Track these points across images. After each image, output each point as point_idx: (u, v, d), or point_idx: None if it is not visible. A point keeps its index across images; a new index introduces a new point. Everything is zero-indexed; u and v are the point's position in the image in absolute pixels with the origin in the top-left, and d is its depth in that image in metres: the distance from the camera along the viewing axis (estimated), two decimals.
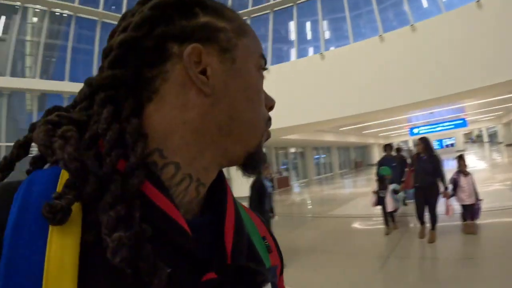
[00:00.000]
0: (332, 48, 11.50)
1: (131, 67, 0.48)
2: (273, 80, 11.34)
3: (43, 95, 13.06)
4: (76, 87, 12.12)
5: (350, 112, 10.33)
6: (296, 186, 22.44)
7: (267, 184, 5.31)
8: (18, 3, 12.31)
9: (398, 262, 5.23)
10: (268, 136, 0.59)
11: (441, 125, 26.43)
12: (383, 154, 8.00)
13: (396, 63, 9.48)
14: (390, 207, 6.59)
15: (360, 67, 9.90)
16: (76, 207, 0.40)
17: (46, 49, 13.16)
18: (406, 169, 6.69)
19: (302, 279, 4.53)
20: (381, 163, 7.57)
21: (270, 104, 0.60)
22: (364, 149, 42.33)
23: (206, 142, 0.51)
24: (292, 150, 25.06)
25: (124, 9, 14.00)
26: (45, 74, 13.21)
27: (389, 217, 6.80)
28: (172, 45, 0.49)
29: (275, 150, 22.19)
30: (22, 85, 11.96)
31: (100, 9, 13.93)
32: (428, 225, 5.92)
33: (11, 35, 12.16)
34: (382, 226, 6.84)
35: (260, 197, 5.13)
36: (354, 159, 38.50)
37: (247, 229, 0.58)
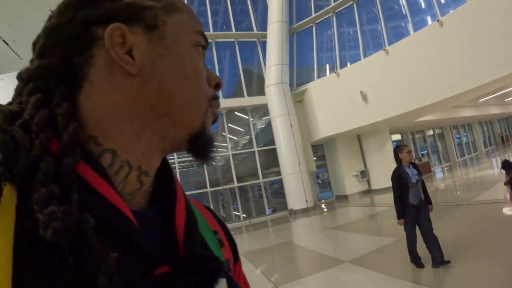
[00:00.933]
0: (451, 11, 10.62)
1: (59, 55, 0.48)
2: (393, 61, 11.32)
3: None
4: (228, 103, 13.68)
5: (487, 79, 9.41)
6: (438, 171, 21.19)
7: (410, 172, 4.80)
8: None
9: None
10: (215, 117, 0.58)
11: None
12: None
13: None
14: None
15: (486, 26, 8.95)
16: (9, 192, 0.37)
17: None
18: None
19: (454, 278, 4.20)
20: None
21: (214, 81, 0.58)
22: (510, 120, 37.56)
23: (141, 126, 0.50)
24: (430, 132, 23.64)
25: None
26: None
27: None
28: (96, 29, 0.48)
29: (412, 135, 21.34)
30: None
31: (211, 31, 15.58)
32: None
33: None
34: None
35: (401, 188, 4.74)
36: (500, 133, 34.48)
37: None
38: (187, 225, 0.52)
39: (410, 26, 11.47)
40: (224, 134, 14.71)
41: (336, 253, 6.68)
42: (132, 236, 0.43)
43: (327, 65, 14.77)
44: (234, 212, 15.31)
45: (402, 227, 4.80)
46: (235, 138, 16.11)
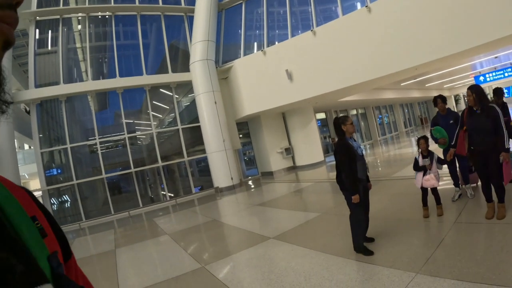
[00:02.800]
0: None
1: None
2: (320, 42, 11.63)
3: (104, 94, 14.15)
4: (127, 82, 13.17)
5: (409, 65, 10.01)
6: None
7: (355, 144, 4.48)
8: (57, 16, 13.62)
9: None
10: (4, 37, 0.45)
11: (509, 70, 24.37)
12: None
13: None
14: (430, 183, 5.19)
15: (411, 15, 9.50)
16: None
17: (95, 51, 14.35)
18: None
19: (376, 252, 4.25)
20: (434, 122, 6.14)
21: None
22: (429, 103, 40.46)
23: None
24: (353, 112, 24.77)
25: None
26: (100, 74, 14.25)
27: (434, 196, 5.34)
28: None
29: (336, 114, 22.17)
30: (78, 89, 13.26)
31: (137, 4, 14.86)
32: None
33: (61, 46, 13.36)
34: (452, 187, 6.07)
35: (350, 162, 4.32)
36: (419, 115, 37.09)
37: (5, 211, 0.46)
38: None
39: (339, 10, 11.73)
40: (148, 111, 14.24)
41: (262, 229, 6.73)
42: None
43: (255, 44, 14.74)
44: (162, 192, 15.00)
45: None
46: (160, 116, 15.64)
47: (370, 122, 26.25)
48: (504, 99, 6.28)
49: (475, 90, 4.63)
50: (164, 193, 14.60)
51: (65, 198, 13.46)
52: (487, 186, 4.69)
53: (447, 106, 6.12)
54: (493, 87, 7.30)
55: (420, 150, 5.30)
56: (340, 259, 4.29)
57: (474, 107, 4.69)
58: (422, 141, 5.25)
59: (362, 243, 4.37)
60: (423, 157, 5.24)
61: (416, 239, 4.48)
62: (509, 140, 4.43)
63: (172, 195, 14.70)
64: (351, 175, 4.30)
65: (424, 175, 5.22)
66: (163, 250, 6.71)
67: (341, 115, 4.83)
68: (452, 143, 5.24)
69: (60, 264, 0.50)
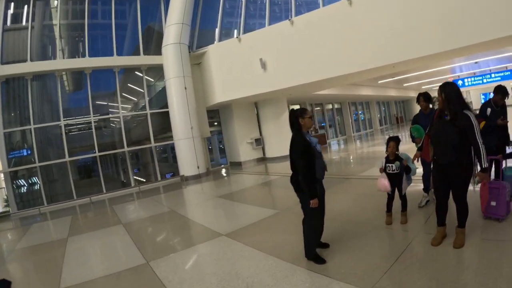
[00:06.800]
0: None
1: None
2: (297, 32, 11.26)
3: (72, 75, 13.47)
4: (96, 62, 12.58)
5: (386, 62, 9.80)
6: (333, 143, 22.37)
7: (314, 141, 3.95)
8: None
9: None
10: None
11: (487, 76, 24.77)
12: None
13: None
14: (382, 184, 4.80)
15: (392, 12, 9.28)
16: None
17: (66, 30, 13.57)
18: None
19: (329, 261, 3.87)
20: (414, 119, 5.64)
21: None
22: (406, 103, 40.94)
23: None
24: (329, 106, 24.68)
25: None
26: (70, 54, 13.55)
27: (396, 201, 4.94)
28: None
29: (311, 107, 22.02)
30: (45, 67, 12.48)
31: None
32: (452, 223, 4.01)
33: (30, 22, 12.56)
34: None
35: (308, 161, 3.78)
36: (395, 114, 37.45)
37: None
38: None
39: (320, 0, 11.31)
40: (117, 95, 13.65)
41: (216, 224, 6.44)
42: None
43: (231, 30, 14.24)
44: (127, 179, 14.50)
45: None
46: (129, 100, 15.03)
47: (345, 118, 26.24)
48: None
49: (445, 89, 3.66)
50: (129, 179, 14.11)
51: (27, 182, 12.85)
52: (443, 205, 3.88)
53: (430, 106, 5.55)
54: (471, 92, 6.92)
55: (387, 152, 4.81)
56: (289, 265, 3.94)
57: (445, 111, 3.74)
58: (392, 144, 4.71)
59: (314, 250, 3.96)
60: (387, 161, 4.78)
61: (374, 249, 4.07)
62: (486, 158, 3.48)
63: (137, 182, 14.21)
64: (309, 176, 3.74)
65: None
66: (114, 241, 6.44)
67: (299, 107, 4.22)
68: (419, 145, 4.59)
69: None
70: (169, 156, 14.73)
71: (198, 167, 13.41)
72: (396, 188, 4.82)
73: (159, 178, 14.05)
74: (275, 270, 3.87)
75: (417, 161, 4.72)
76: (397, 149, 4.81)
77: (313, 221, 3.93)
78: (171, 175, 14.30)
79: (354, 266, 3.66)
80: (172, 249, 5.28)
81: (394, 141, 4.72)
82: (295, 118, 3.92)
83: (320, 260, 3.87)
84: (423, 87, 33.35)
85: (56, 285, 4.39)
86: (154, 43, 14.53)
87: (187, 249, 5.19)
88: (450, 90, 3.64)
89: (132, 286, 4.16)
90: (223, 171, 15.22)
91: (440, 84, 3.81)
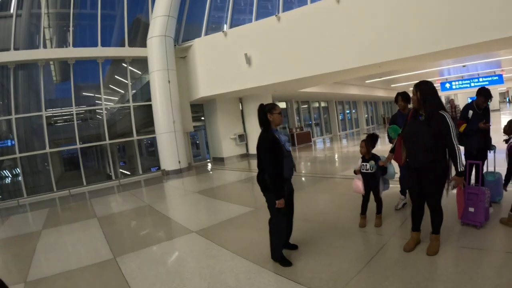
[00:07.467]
0: None
1: None
2: (283, 28, 11.15)
3: (56, 65, 13.25)
4: (79, 52, 12.37)
5: (372, 61, 9.77)
6: (318, 141, 22.37)
7: (283, 138, 3.80)
8: None
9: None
10: None
11: (475, 80, 24.98)
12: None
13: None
14: (356, 185, 4.75)
15: (379, 12, 9.24)
16: None
17: (53, 19, 13.31)
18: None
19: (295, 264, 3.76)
20: (392, 120, 5.47)
21: None
22: (393, 104, 41.11)
23: None
24: (316, 104, 24.69)
25: None
26: (55, 44, 13.28)
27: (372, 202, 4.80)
28: None
29: (297, 104, 22.01)
30: (27, 56, 12.21)
31: None
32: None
33: (15, 10, 12.29)
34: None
35: (276, 159, 3.62)
36: (382, 114, 37.64)
37: None
38: None
39: None
40: (100, 86, 13.42)
41: (189, 221, 6.36)
42: None
43: (220, 24, 14.06)
44: (108, 172, 14.32)
45: (262, 197, 3.83)
46: (113, 92, 14.78)
47: (331, 116, 26.30)
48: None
49: (420, 87, 3.47)
50: (111, 172, 13.95)
51: (7, 173, 12.60)
52: (418, 210, 3.72)
53: (409, 105, 5.26)
54: (458, 95, 6.68)
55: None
56: (254, 266, 3.83)
57: (420, 111, 3.55)
58: (362, 143, 4.63)
59: (280, 252, 3.83)
60: (363, 160, 4.66)
61: (344, 253, 3.92)
62: (461, 161, 3.30)
63: (118, 175, 14.04)
64: (276, 176, 3.57)
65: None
66: (86, 235, 6.32)
67: (267, 103, 4.01)
68: (391, 147, 4.43)
69: None
70: (156, 150, 14.57)
71: (179, 162, 13.29)
72: (372, 190, 4.70)
73: (140, 172, 13.90)
74: (239, 270, 3.79)
75: (390, 163, 4.54)
76: (372, 147, 4.70)
77: (279, 222, 3.79)
78: (156, 169, 14.15)
79: (320, 270, 3.53)
80: (141, 245, 5.16)
81: (364, 141, 4.64)
82: (264, 114, 3.75)
83: (286, 263, 3.75)
84: (410, 88, 33.54)
85: (23, 279, 4.31)
86: (140, 35, 14.30)
87: (156, 245, 5.11)
88: (426, 88, 3.46)
89: (95, 282, 4.06)
90: (205, 166, 15.10)
91: (416, 83, 3.58)
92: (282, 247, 3.90)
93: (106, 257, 4.81)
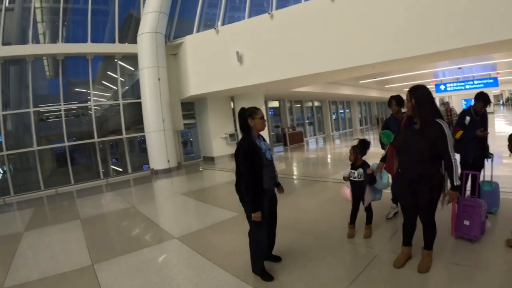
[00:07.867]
0: None
1: None
2: (276, 26, 10.96)
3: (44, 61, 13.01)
4: (68, 48, 12.16)
5: (365, 62, 9.64)
6: (311, 141, 22.24)
7: (264, 146, 3.54)
8: None
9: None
10: None
11: (470, 83, 24.95)
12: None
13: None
14: (344, 192, 4.63)
15: (373, 13, 9.11)
16: None
17: (44, 14, 13.08)
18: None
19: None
20: (385, 124, 5.16)
21: None
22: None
23: None
24: (309, 104, 24.56)
25: None
26: (45, 39, 13.04)
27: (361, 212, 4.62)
28: None
29: (290, 103, 21.87)
30: (14, 52, 11.92)
31: None
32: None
33: (4, 5, 12.02)
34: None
35: (254, 169, 3.34)
36: (376, 115, 37.62)
37: None
38: None
39: None
40: (89, 83, 13.19)
41: (172, 225, 6.22)
42: None
43: (214, 22, 13.84)
44: (96, 170, 14.08)
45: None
46: (102, 88, 14.50)
47: (325, 116, 26.19)
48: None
49: (415, 93, 3.19)
50: (98, 171, 13.71)
51: None
52: (410, 224, 3.50)
53: (403, 110, 4.98)
54: (453, 97, 6.47)
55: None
56: (234, 279, 3.62)
57: (415, 119, 3.28)
58: (350, 150, 4.42)
59: (261, 265, 3.60)
60: (352, 167, 4.45)
61: (330, 267, 3.70)
62: (457, 174, 3.08)
63: (107, 173, 13.81)
64: (253, 187, 3.31)
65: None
66: (67, 239, 6.12)
67: (250, 106, 3.77)
68: (382, 156, 4.21)
69: None
70: (135, 148, 14.41)
71: (168, 161, 13.10)
72: (360, 198, 4.48)
73: (129, 171, 13.67)
74: (217, 284, 3.58)
75: (381, 172, 4.33)
76: (362, 154, 4.45)
77: (258, 235, 3.53)
78: (147, 167, 13.93)
79: (304, 286, 3.34)
80: (120, 251, 4.97)
81: (353, 148, 4.41)
82: (244, 119, 3.47)
83: (267, 277, 3.52)
84: (405, 89, 33.53)
85: (0, 285, 4.17)
86: (132, 31, 14.05)
87: (136, 252, 4.89)
88: (421, 94, 3.16)
89: None
90: (195, 166, 14.88)
91: (410, 87, 3.31)
92: (263, 259, 3.68)
93: (84, 263, 4.64)
